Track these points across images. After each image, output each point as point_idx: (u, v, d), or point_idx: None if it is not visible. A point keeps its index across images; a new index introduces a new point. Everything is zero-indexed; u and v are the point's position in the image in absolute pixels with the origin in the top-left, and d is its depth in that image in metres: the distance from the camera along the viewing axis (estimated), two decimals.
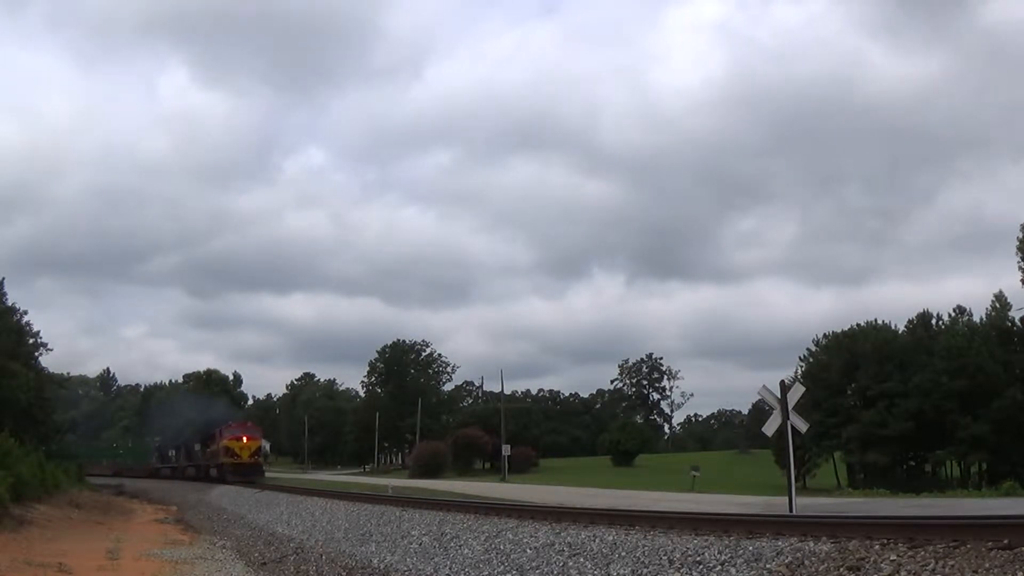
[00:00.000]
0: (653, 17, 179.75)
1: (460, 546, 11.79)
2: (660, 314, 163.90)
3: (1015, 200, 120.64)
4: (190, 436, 61.18)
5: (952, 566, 6.13)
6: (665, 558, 8.46)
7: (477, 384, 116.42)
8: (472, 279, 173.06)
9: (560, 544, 10.22)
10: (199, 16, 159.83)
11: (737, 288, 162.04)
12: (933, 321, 67.02)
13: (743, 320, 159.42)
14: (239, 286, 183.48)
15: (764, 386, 19.01)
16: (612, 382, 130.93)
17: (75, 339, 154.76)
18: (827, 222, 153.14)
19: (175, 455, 63.69)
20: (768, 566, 7.40)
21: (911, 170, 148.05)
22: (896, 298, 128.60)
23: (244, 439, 47.60)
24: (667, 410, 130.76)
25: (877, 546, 7.10)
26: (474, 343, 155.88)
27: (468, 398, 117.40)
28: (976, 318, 65.28)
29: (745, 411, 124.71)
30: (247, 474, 44.46)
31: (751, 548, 7.99)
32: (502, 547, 10.98)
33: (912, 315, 69.07)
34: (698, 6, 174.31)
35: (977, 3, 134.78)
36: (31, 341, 51.73)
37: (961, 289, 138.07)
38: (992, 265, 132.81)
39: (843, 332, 69.70)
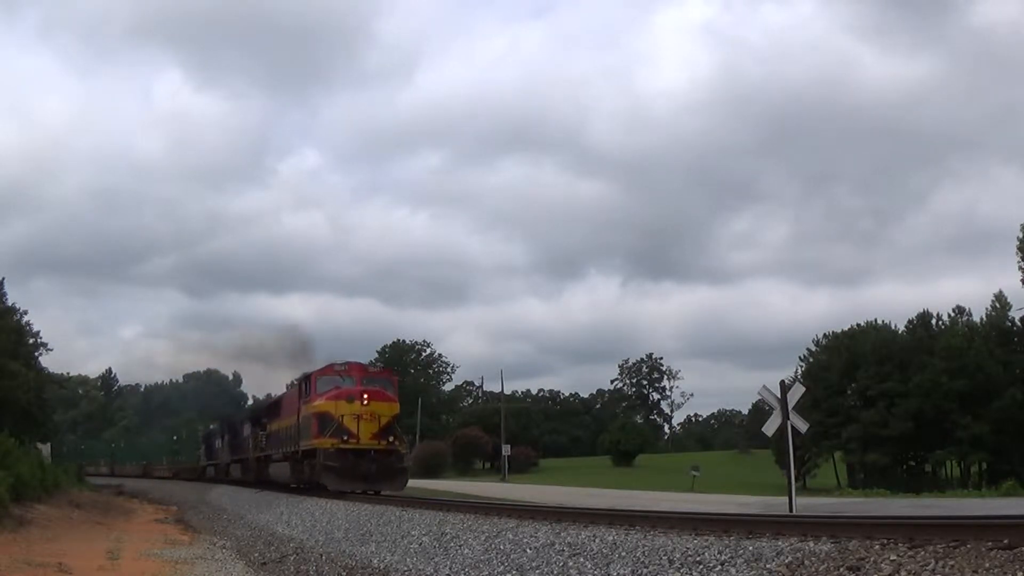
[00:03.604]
0: (642, 19, 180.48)
1: (460, 546, 11.78)
2: (656, 315, 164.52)
3: (1008, 201, 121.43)
4: (237, 414, 41.46)
5: (952, 566, 6.13)
6: (665, 558, 8.46)
7: (477, 384, 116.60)
8: (469, 280, 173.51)
9: (560, 544, 10.22)
10: (192, 19, 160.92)
11: (732, 289, 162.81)
12: (933, 321, 67.11)
13: (739, 321, 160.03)
14: (236, 287, 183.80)
15: (764, 386, 19.04)
16: (612, 382, 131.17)
17: (73, 339, 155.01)
18: (820, 223, 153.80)
19: (220, 446, 44.15)
20: (768, 566, 7.40)
21: (903, 171, 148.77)
22: (890, 299, 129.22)
23: (364, 398, 23.12)
24: (667, 410, 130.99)
25: (877, 546, 7.10)
26: (472, 343, 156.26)
27: (468, 398, 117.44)
28: (976, 318, 65.49)
29: (745, 411, 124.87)
30: (375, 478, 22.66)
31: (751, 548, 7.99)
32: (502, 547, 10.98)
33: (906, 315, 69.51)
34: (686, 8, 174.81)
35: (966, 5, 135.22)
36: (31, 341, 51.72)
37: (955, 290, 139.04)
38: (985, 266, 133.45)
39: (843, 332, 69.83)
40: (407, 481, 24.43)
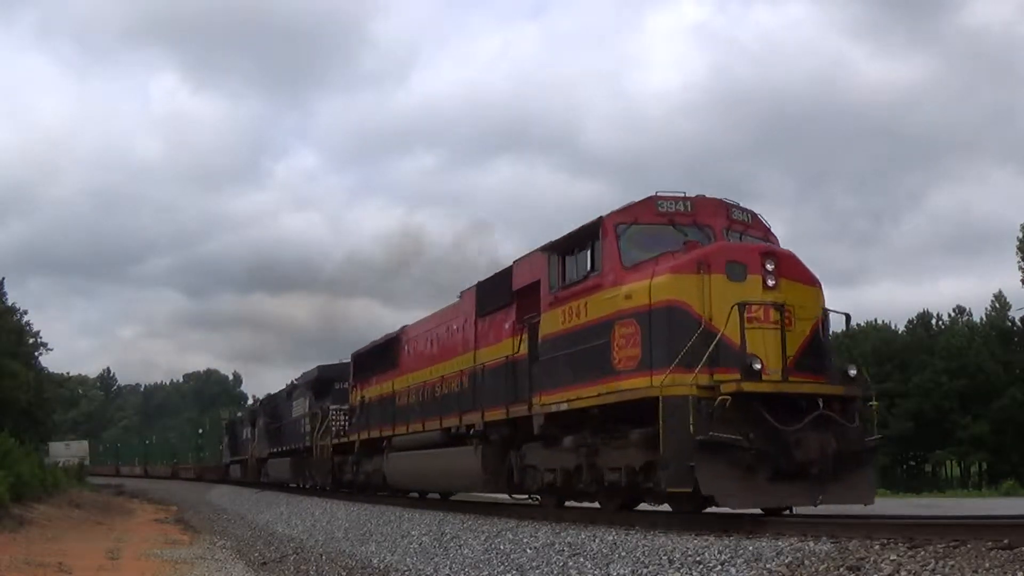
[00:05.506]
0: (635, 21, 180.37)
1: (460, 546, 11.78)
2: None
3: (1004, 201, 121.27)
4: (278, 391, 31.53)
5: (952, 566, 6.13)
6: (665, 558, 8.46)
7: None
8: (468, 280, 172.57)
9: (560, 544, 10.21)
10: (189, 20, 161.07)
11: None
12: (933, 321, 67.14)
13: None
14: (235, 287, 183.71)
15: None
16: None
17: (72, 340, 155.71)
18: (816, 223, 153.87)
19: (248, 435, 35.04)
20: (768, 566, 7.40)
21: (899, 171, 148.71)
22: (888, 299, 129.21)
23: (769, 272, 9.68)
24: None
25: (877, 546, 7.11)
26: None
27: None
28: (976, 318, 65.56)
29: None
30: (833, 466, 9.33)
31: (751, 548, 8.00)
32: (502, 547, 10.97)
33: (904, 315, 69.57)
34: (679, 9, 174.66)
35: (959, 5, 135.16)
36: (31, 341, 51.70)
37: (954, 290, 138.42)
38: (982, 266, 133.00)
39: (842, 332, 69.64)
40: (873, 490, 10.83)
